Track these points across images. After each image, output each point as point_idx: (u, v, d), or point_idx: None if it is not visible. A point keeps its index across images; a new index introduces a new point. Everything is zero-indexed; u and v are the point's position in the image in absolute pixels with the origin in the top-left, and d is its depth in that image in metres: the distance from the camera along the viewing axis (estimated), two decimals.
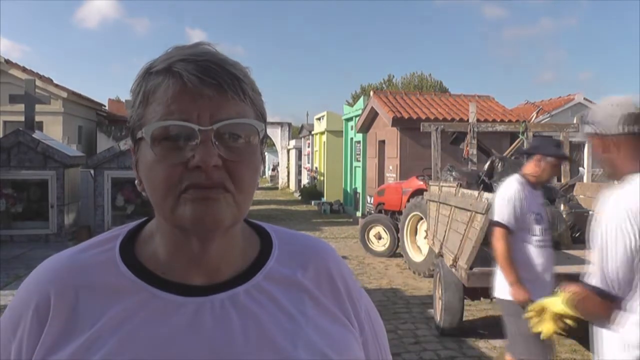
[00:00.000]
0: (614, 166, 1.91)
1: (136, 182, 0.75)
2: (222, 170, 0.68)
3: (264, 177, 39.71)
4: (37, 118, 11.32)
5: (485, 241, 4.48)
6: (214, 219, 0.68)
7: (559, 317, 2.24)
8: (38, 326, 0.69)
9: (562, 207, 5.64)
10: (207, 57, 0.69)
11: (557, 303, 2.19)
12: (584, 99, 15.11)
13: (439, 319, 5.08)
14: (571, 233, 5.44)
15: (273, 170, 33.50)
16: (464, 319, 5.10)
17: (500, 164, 6.08)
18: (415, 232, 8.41)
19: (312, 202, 18.36)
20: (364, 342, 0.81)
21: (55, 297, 0.70)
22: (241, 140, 0.69)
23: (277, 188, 27.63)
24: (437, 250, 5.57)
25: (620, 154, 1.87)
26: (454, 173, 6.48)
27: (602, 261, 1.75)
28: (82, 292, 0.71)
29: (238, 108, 0.69)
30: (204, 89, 0.67)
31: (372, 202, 11.21)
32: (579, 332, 5.21)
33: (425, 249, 7.90)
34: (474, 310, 5.85)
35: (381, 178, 12.73)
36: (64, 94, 14.87)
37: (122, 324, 0.68)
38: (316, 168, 20.84)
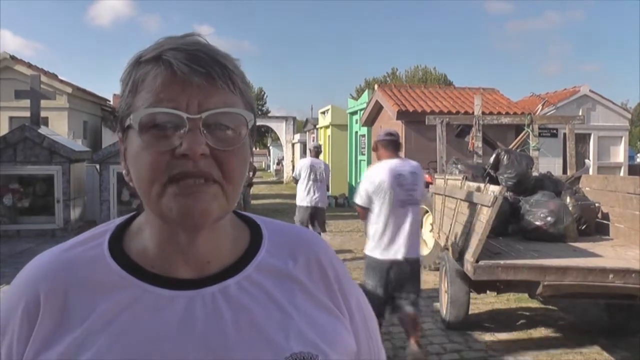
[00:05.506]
0: (378, 156, 4.19)
1: (124, 172, 0.75)
2: (209, 159, 0.67)
3: (268, 171, 39.72)
4: (43, 113, 11.36)
5: (492, 233, 4.47)
6: (201, 212, 0.67)
7: None
8: (28, 326, 0.68)
9: (568, 199, 5.61)
10: (197, 46, 0.69)
11: None
12: (590, 90, 15.00)
13: (444, 312, 5.08)
14: (577, 226, 5.41)
15: (278, 164, 33.47)
16: (470, 312, 5.09)
17: (505, 157, 6.03)
18: (420, 225, 8.39)
19: None
20: (355, 331, 0.81)
21: (45, 296, 0.69)
22: (230, 130, 0.68)
23: (281, 182, 27.63)
24: (442, 244, 5.56)
25: (380, 151, 4.16)
26: (459, 166, 6.45)
27: (359, 191, 4.17)
28: (71, 290, 0.70)
29: (227, 98, 0.69)
30: (193, 77, 0.66)
31: None
32: (581, 332, 5.21)
33: (430, 242, 7.88)
34: (480, 303, 5.85)
35: None
36: (69, 90, 14.88)
37: (113, 321, 0.67)
38: None
